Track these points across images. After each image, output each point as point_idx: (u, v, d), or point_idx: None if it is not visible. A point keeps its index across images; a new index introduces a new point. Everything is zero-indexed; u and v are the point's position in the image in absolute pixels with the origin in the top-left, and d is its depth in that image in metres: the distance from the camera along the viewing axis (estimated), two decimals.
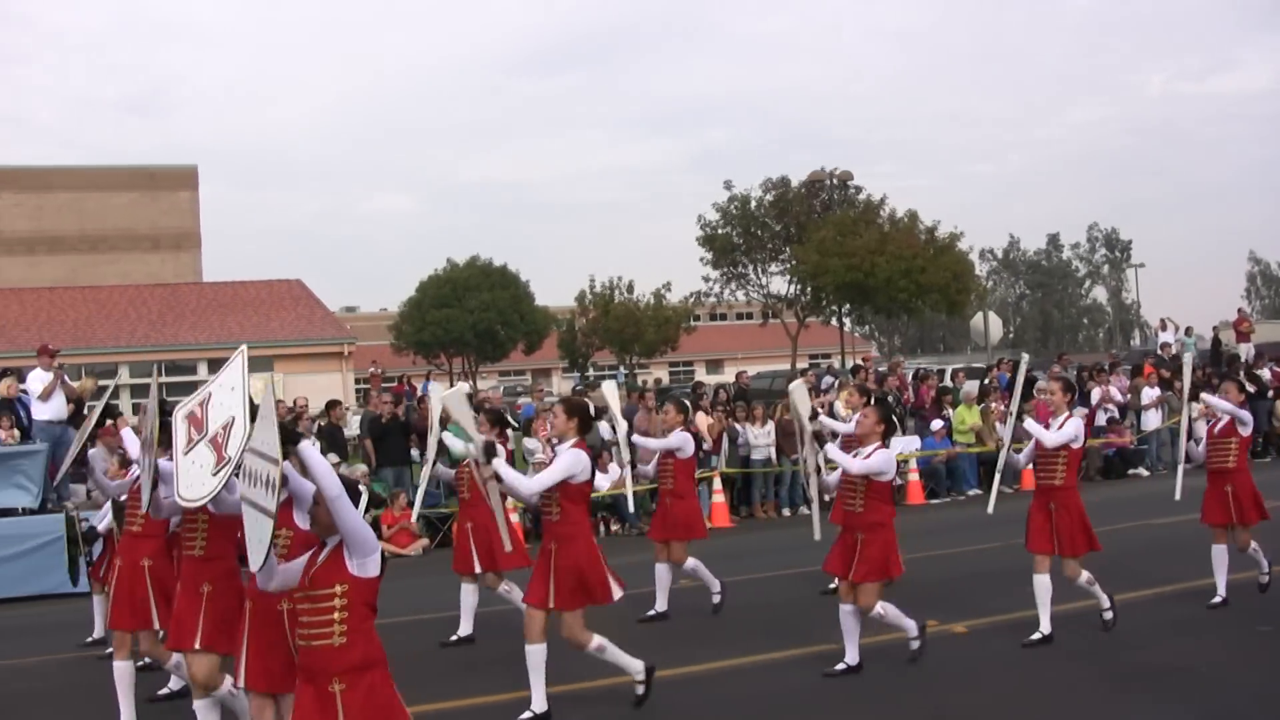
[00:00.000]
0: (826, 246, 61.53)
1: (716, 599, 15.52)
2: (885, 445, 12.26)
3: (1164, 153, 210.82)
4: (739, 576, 16.96)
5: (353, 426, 29.12)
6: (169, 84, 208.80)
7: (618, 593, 11.22)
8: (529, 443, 25.90)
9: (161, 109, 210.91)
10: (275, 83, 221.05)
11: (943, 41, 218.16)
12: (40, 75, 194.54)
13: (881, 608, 12.04)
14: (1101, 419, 30.42)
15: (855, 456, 12.14)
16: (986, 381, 31.78)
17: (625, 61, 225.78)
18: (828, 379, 35.02)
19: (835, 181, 68.94)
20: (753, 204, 68.87)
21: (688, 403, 17.47)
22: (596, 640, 11.09)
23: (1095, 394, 30.59)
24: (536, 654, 10.97)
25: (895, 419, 12.96)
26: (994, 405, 29.48)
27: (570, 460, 11.11)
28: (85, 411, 25.56)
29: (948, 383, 35.37)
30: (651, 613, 15.40)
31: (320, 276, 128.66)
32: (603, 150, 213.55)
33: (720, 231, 69.04)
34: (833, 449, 12.68)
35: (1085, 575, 13.00)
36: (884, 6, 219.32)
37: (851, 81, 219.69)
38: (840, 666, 12.00)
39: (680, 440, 15.66)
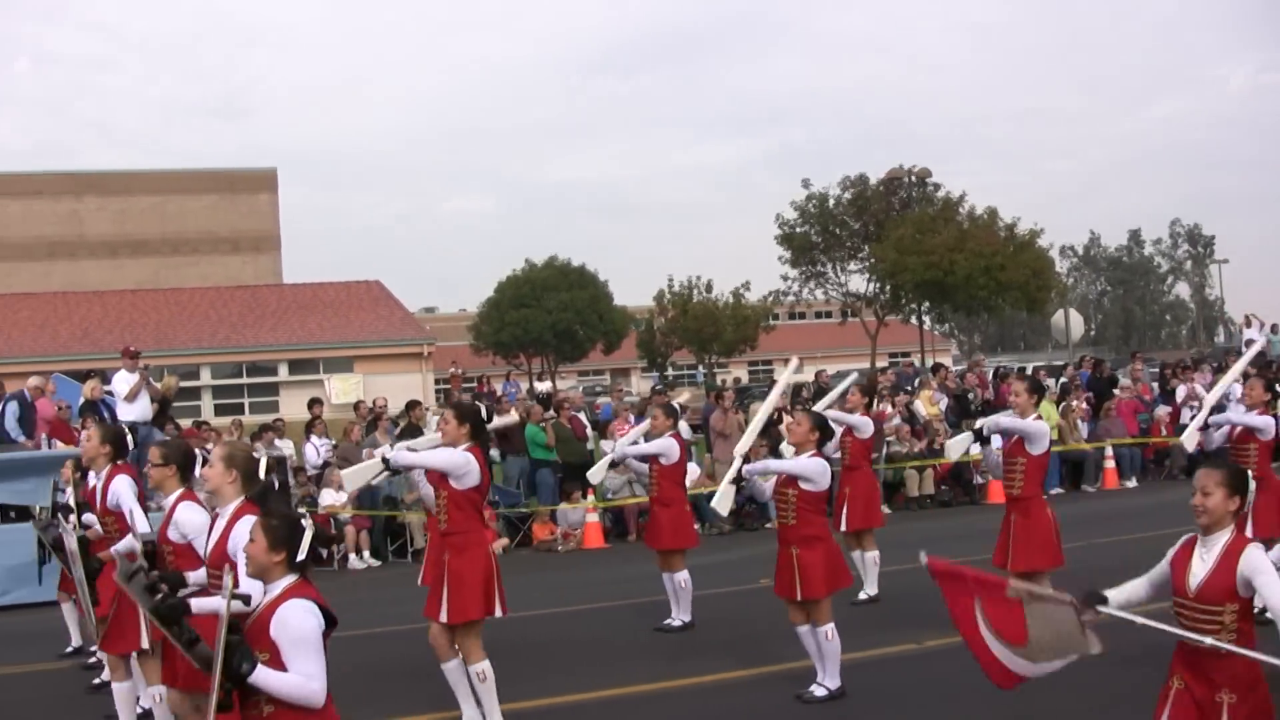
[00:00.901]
0: (905, 244, 61.28)
1: (676, 623, 14.98)
2: (820, 454, 11.79)
3: (1247, 146, 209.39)
4: None
5: (432, 426, 29.16)
6: (250, 88, 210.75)
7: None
8: (608, 445, 25.90)
9: (243, 112, 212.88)
10: (355, 85, 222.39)
11: (1022, 36, 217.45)
12: (124, 81, 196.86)
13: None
14: (1186, 416, 30.08)
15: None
16: (1066, 379, 31.49)
17: (703, 61, 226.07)
18: (909, 377, 34.82)
19: (914, 179, 68.65)
20: (831, 202, 68.65)
21: (676, 406, 17.27)
22: (485, 665, 10.63)
23: (1180, 391, 30.28)
24: (451, 672, 10.87)
25: (830, 426, 12.48)
26: (1075, 404, 29.27)
27: (448, 455, 10.63)
28: (170, 411, 25.84)
29: None
30: (670, 622, 15.02)
31: (399, 277, 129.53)
32: (681, 149, 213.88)
33: (799, 230, 68.82)
34: (775, 461, 12.44)
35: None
36: (962, 2, 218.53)
37: (930, 78, 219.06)
38: (821, 693, 11.52)
39: (664, 446, 15.27)
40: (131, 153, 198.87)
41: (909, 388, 30.90)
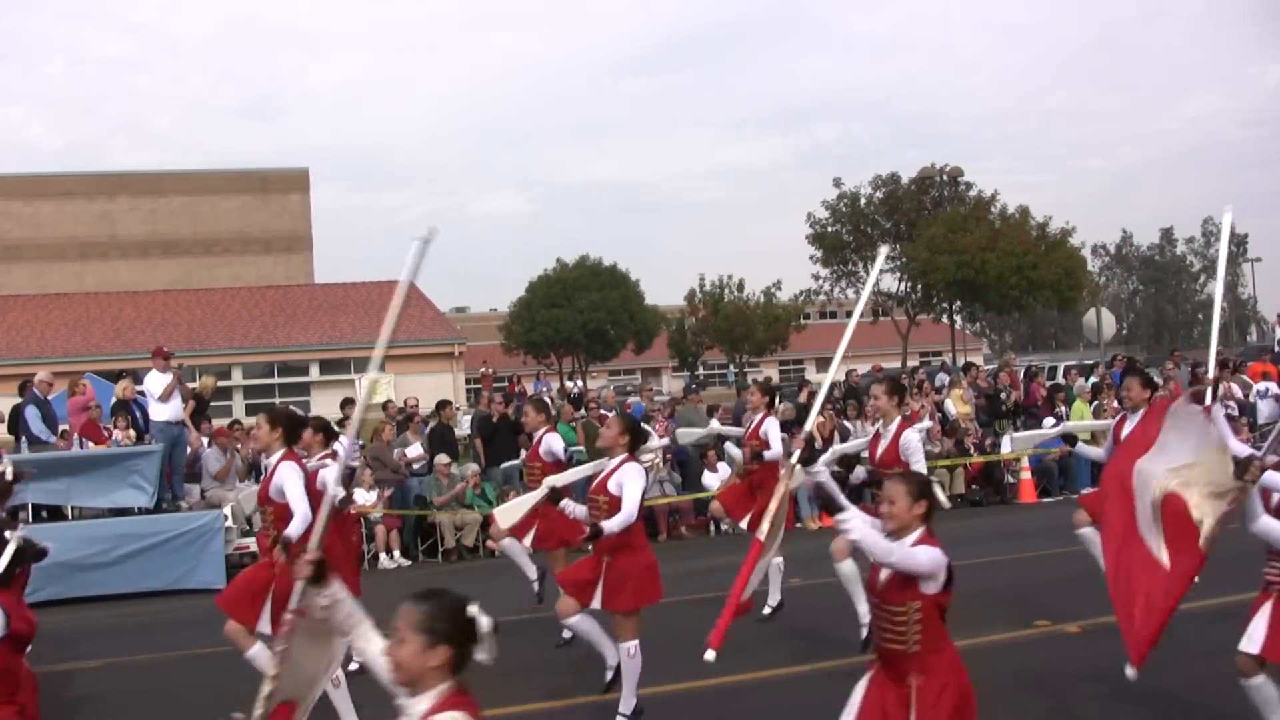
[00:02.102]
0: (937, 243, 61.31)
1: (565, 637, 13.74)
2: (634, 458, 11.04)
3: None
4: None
5: (463, 426, 29.23)
6: (282, 88, 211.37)
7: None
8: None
9: (274, 112, 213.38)
10: (387, 85, 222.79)
11: (1054, 35, 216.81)
12: (156, 82, 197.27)
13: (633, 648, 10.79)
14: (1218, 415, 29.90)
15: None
16: (1099, 379, 31.39)
17: (734, 59, 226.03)
18: (940, 377, 34.77)
19: (945, 178, 68.64)
20: (862, 201, 68.69)
21: (773, 388, 16.89)
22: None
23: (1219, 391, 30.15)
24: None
25: (643, 429, 11.95)
26: (1108, 403, 29.17)
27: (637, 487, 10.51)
28: (206, 410, 25.92)
29: (1060, 380, 35.05)
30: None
31: (431, 277, 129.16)
32: (712, 148, 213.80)
33: (830, 229, 68.92)
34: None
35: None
36: (994, 1, 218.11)
37: (962, 77, 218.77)
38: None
39: (770, 429, 15.35)
40: (163, 153, 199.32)
41: (939, 386, 30.89)
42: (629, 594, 10.72)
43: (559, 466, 14.20)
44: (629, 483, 10.69)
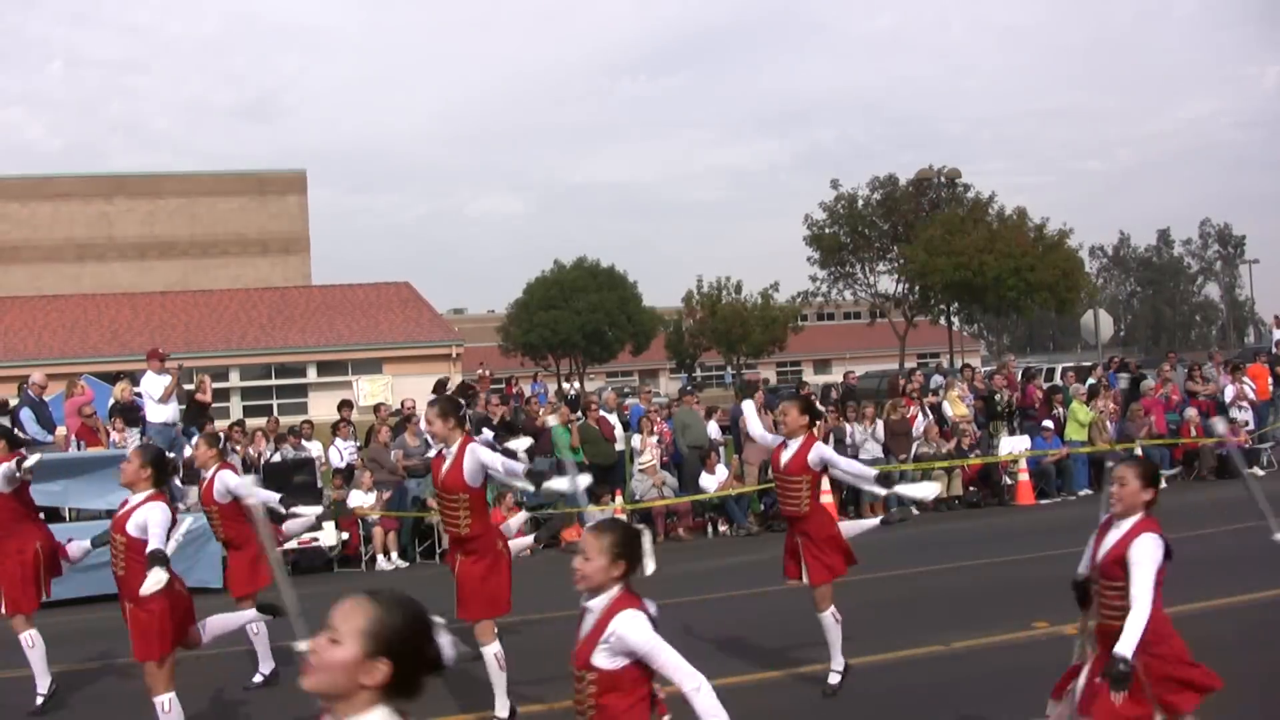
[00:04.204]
0: (934, 245, 61.27)
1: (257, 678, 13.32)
2: (159, 496, 10.44)
3: (1278, 146, 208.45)
4: (841, 578, 16.79)
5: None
6: (280, 90, 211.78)
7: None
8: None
9: (272, 114, 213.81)
10: (384, 87, 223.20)
11: (1050, 36, 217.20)
12: (155, 84, 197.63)
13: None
14: (1231, 417, 29.82)
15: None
16: (1096, 380, 31.41)
17: (732, 61, 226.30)
18: (936, 378, 34.78)
19: (943, 180, 68.59)
20: (860, 203, 68.70)
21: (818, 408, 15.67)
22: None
23: (1230, 392, 30.19)
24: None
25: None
26: (1105, 404, 29.19)
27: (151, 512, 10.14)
28: (208, 412, 25.91)
29: (1058, 382, 35.05)
30: None
31: (428, 279, 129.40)
32: (710, 150, 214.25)
33: (827, 231, 68.89)
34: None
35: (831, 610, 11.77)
36: (992, 3, 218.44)
37: (960, 79, 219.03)
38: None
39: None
40: (161, 155, 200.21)
41: (937, 389, 30.90)
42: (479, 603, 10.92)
43: (236, 509, 13.01)
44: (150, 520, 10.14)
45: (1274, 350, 37.37)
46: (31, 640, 12.29)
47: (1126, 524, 7.67)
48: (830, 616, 11.73)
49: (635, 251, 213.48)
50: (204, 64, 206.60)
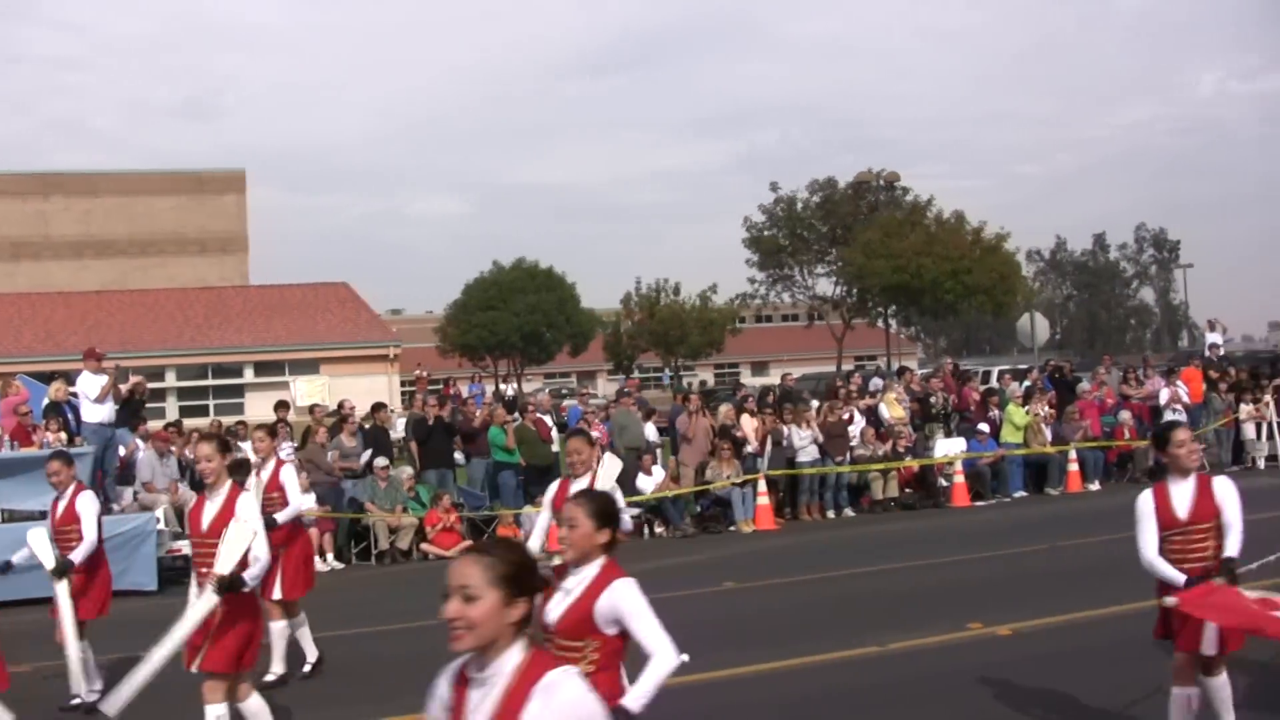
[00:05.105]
0: (872, 248, 61.53)
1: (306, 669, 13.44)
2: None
3: (1213, 152, 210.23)
4: (779, 580, 16.92)
5: (398, 429, 29.20)
6: (219, 89, 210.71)
7: None
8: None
9: (211, 113, 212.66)
10: (326, 86, 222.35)
11: (991, 40, 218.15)
12: (93, 81, 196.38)
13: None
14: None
15: None
16: (1032, 383, 31.60)
17: (674, 64, 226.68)
18: (876, 380, 34.91)
19: (882, 183, 68.87)
20: (799, 206, 68.90)
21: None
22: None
23: (1164, 395, 30.45)
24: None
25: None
26: (1039, 408, 29.36)
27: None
28: (141, 412, 25.78)
29: (994, 384, 35.26)
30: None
31: (366, 279, 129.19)
32: (650, 152, 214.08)
33: (766, 233, 69.12)
34: None
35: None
36: (933, 7, 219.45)
37: (900, 82, 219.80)
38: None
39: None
40: (99, 153, 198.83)
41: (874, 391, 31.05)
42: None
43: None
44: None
45: (1207, 354, 37.66)
46: None
47: (1191, 479, 8.71)
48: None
49: (574, 253, 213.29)
50: (144, 62, 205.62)
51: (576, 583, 6.38)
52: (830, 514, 26.34)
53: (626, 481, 25.44)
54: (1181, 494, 8.70)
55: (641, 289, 77.71)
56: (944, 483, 27.35)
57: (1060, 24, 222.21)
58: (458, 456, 26.58)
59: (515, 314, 72.89)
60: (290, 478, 13.52)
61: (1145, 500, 8.82)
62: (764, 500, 25.34)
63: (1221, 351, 38.02)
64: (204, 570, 9.99)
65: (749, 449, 26.22)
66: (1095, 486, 28.48)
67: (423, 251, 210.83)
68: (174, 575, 19.91)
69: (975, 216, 66.38)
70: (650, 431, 27.69)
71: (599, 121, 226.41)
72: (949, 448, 28.04)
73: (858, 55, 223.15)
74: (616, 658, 6.38)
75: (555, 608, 6.35)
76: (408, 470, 24.56)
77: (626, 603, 6.26)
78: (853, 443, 27.10)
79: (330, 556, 22.72)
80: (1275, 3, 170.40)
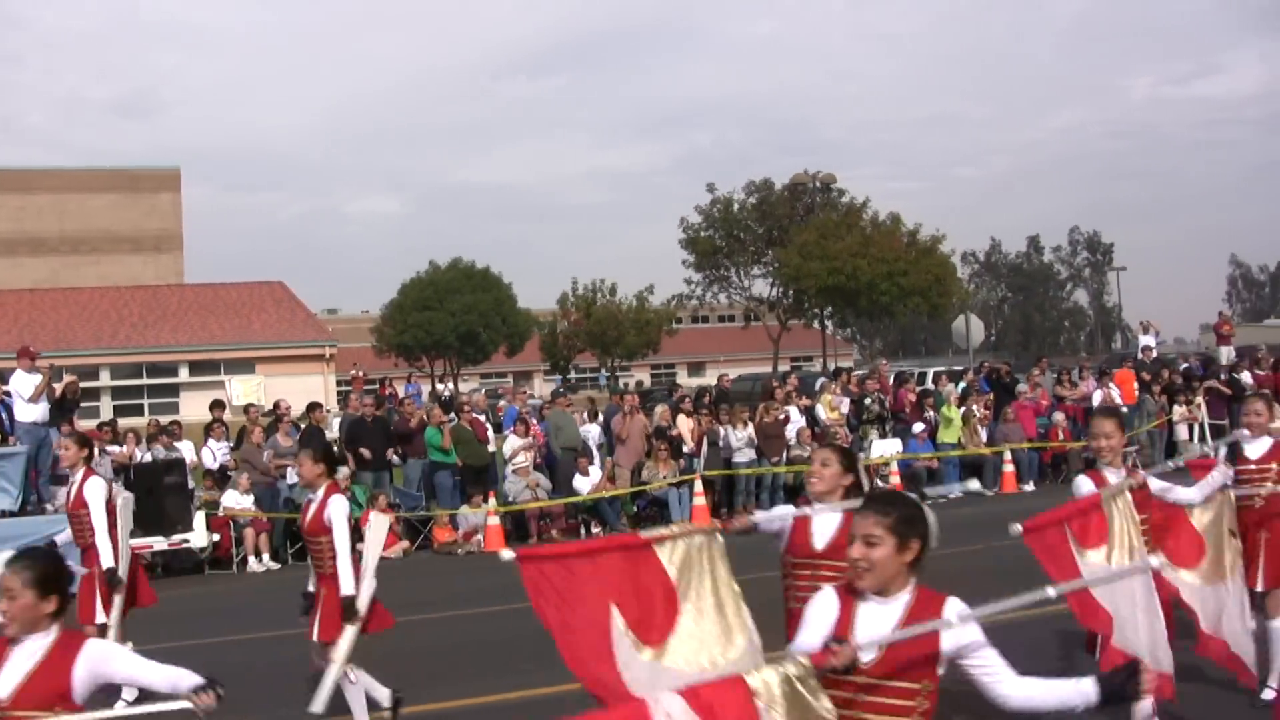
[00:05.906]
0: (809, 249, 61.65)
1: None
2: None
3: (1146, 157, 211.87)
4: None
5: (333, 429, 29.08)
6: (157, 86, 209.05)
7: None
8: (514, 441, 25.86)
9: (147, 111, 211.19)
10: (262, 85, 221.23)
11: (929, 44, 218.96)
12: (30, 77, 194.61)
13: None
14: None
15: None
16: (967, 384, 31.73)
17: (612, 64, 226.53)
18: (822, 381, 34.97)
19: (818, 185, 68.99)
20: (735, 207, 68.94)
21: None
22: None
23: (1098, 397, 30.61)
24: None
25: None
26: (975, 409, 29.51)
27: None
28: (74, 412, 25.56)
29: (929, 385, 35.40)
30: None
31: (302, 279, 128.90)
32: (587, 153, 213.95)
33: (703, 234, 69.11)
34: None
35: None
36: (872, 11, 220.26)
37: (839, 85, 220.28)
38: None
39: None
40: (32, 150, 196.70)
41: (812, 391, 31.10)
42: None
43: None
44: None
45: (1140, 356, 37.91)
46: None
47: (1267, 439, 10.44)
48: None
49: (511, 253, 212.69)
50: (79, 58, 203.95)
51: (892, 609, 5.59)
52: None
53: (563, 481, 25.54)
54: (1259, 449, 10.48)
55: (578, 289, 77.74)
56: (880, 484, 27.43)
57: (997, 29, 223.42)
58: (393, 457, 26.39)
59: (452, 314, 72.69)
60: (94, 493, 12.42)
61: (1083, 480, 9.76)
62: (700, 500, 25.38)
63: (1154, 354, 38.31)
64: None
65: (685, 449, 26.27)
66: (1030, 487, 28.64)
67: (359, 251, 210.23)
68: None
69: (911, 219, 66.67)
70: (594, 433, 27.70)
71: (537, 122, 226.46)
72: (884, 448, 28.15)
73: (796, 57, 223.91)
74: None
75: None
76: (344, 470, 24.45)
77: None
78: (789, 443, 27.16)
79: (266, 557, 22.65)
80: (1205, 12, 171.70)
